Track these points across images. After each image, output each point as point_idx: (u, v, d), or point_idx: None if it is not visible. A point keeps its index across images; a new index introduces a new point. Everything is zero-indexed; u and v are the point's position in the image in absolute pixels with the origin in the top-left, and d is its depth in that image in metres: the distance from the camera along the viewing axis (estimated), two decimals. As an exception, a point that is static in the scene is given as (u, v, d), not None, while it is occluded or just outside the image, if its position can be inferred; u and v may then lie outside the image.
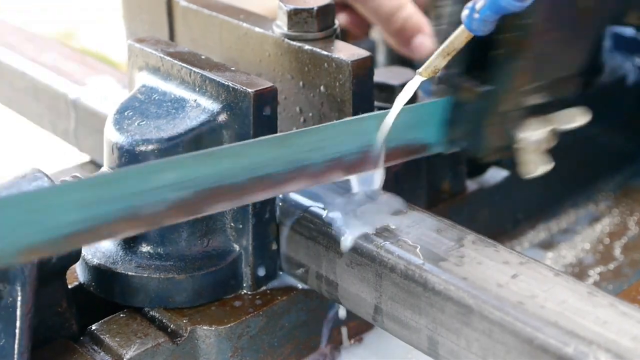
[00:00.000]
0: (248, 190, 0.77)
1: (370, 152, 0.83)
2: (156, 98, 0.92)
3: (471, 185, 1.08)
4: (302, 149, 0.80)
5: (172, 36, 1.09)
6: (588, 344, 0.70)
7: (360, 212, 0.87)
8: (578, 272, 1.11)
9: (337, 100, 0.91)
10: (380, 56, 1.24)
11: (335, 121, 0.86)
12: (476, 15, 0.77)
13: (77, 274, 0.92)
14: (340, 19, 1.17)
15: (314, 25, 0.94)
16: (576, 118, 0.87)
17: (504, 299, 0.75)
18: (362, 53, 0.91)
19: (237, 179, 0.76)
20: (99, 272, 0.89)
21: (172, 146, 0.86)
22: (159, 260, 0.89)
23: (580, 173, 1.24)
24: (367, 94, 0.92)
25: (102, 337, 0.85)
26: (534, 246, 1.16)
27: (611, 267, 1.12)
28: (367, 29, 1.21)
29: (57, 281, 0.85)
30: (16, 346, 0.78)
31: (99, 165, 1.14)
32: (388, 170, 0.89)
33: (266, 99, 0.86)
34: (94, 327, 0.87)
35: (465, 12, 0.77)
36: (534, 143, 0.86)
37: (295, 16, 0.94)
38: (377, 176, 0.88)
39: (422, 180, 1.02)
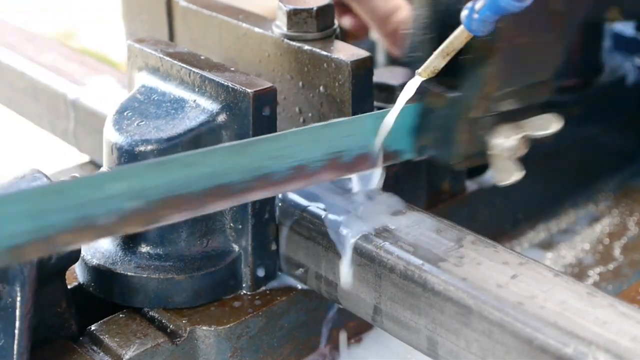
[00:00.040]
0: (206, 199, 0.74)
1: (338, 159, 0.82)
2: (155, 98, 0.92)
3: (471, 185, 1.08)
4: (262, 157, 0.77)
5: (171, 36, 1.09)
6: (587, 345, 0.70)
7: (360, 212, 0.87)
8: (578, 272, 1.11)
9: (336, 100, 0.91)
10: (380, 56, 1.24)
11: (301, 127, 0.84)
12: (475, 16, 0.77)
13: (77, 274, 0.92)
14: (345, 21, 1.17)
15: (313, 25, 0.94)
16: (549, 125, 0.86)
17: (503, 299, 0.75)
18: (361, 53, 0.91)
19: (193, 188, 0.73)
20: (99, 273, 0.89)
21: (171, 146, 0.86)
22: (159, 260, 0.89)
23: (580, 173, 1.24)
24: (367, 94, 0.91)
25: (101, 337, 0.85)
26: (533, 246, 1.16)
27: (611, 268, 1.12)
28: (368, 29, 1.22)
29: (56, 281, 0.85)
30: (15, 346, 0.78)
31: (98, 166, 1.14)
32: (388, 170, 0.89)
33: (265, 99, 0.86)
34: (93, 327, 0.87)
35: (464, 13, 0.77)
36: (507, 150, 0.84)
37: (295, 16, 0.94)
38: (377, 176, 0.88)
39: (422, 180, 1.02)
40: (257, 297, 0.91)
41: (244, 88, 0.86)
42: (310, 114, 0.95)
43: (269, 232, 0.91)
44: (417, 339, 0.81)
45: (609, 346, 0.69)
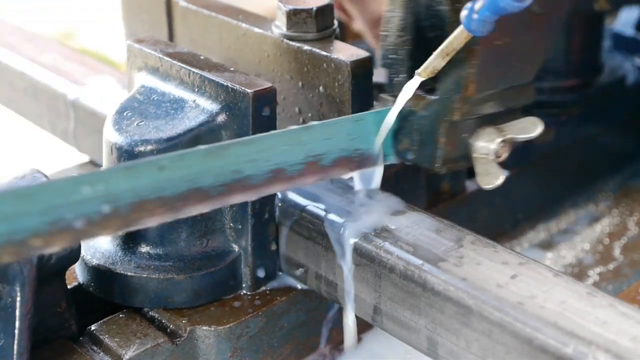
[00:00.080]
0: (181, 203, 0.74)
1: (317, 162, 0.81)
2: (155, 98, 0.92)
3: (471, 185, 1.08)
4: (238, 161, 0.76)
5: (171, 36, 1.09)
6: (587, 344, 0.70)
7: (360, 212, 0.87)
8: (578, 272, 1.11)
9: (336, 100, 0.91)
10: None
11: (277, 131, 0.84)
12: (475, 16, 0.77)
13: (77, 275, 0.92)
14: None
15: (313, 25, 0.94)
16: (532, 128, 0.85)
17: (503, 299, 0.75)
18: (361, 53, 0.91)
19: (168, 192, 0.72)
20: (99, 273, 0.89)
21: (171, 146, 0.86)
22: (158, 260, 0.89)
23: (580, 173, 1.24)
24: (366, 94, 0.91)
25: (101, 337, 0.85)
26: (533, 246, 1.16)
27: (611, 268, 1.12)
28: None
29: (56, 281, 0.85)
30: (15, 346, 0.78)
31: (98, 166, 1.14)
32: (388, 170, 0.89)
33: (265, 99, 0.86)
34: (93, 327, 0.87)
35: (464, 13, 0.77)
36: (490, 153, 0.84)
37: (295, 16, 0.94)
38: (378, 176, 0.88)
39: (422, 180, 1.02)
40: (257, 297, 0.91)
41: (243, 88, 0.86)
42: (310, 114, 0.95)
43: (268, 232, 0.91)
44: (417, 339, 0.81)
45: (609, 346, 0.69)
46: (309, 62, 0.93)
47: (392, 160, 0.87)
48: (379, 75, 1.00)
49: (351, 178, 0.89)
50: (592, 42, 1.22)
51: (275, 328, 0.91)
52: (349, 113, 0.90)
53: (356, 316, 0.88)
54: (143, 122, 0.89)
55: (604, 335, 0.70)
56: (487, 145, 0.84)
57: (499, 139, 0.84)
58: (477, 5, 0.76)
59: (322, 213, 0.88)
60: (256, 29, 0.97)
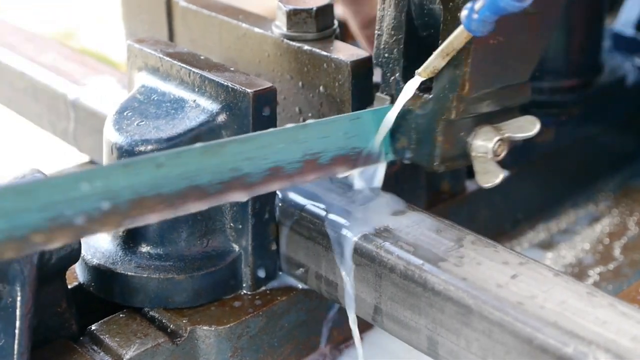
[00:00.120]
0: (180, 200, 0.73)
1: (315, 160, 0.81)
2: (155, 98, 0.92)
3: (471, 185, 1.08)
4: (235, 158, 0.76)
5: (171, 36, 1.09)
6: (587, 344, 0.70)
7: (360, 212, 0.87)
8: (578, 272, 1.11)
9: (336, 100, 0.91)
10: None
11: (275, 128, 0.84)
12: (475, 16, 0.77)
13: (77, 274, 0.92)
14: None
15: (313, 25, 0.94)
16: (530, 127, 0.85)
17: (503, 299, 0.75)
18: (361, 53, 0.91)
19: (166, 189, 0.72)
20: (99, 273, 0.89)
21: (171, 146, 0.86)
22: (159, 260, 0.89)
23: (580, 173, 1.24)
24: (366, 94, 0.91)
25: (101, 337, 0.85)
26: (533, 246, 1.16)
27: (611, 267, 1.12)
28: None
29: (56, 281, 0.85)
30: (16, 346, 0.78)
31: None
32: (388, 170, 0.89)
33: (265, 99, 0.86)
34: (93, 327, 0.87)
35: (464, 13, 0.77)
36: (488, 152, 0.84)
37: (295, 16, 0.94)
38: (379, 174, 0.88)
39: (422, 180, 1.02)
40: (257, 297, 0.91)
41: (243, 88, 0.86)
42: (310, 114, 0.95)
43: (269, 232, 0.91)
44: (418, 339, 0.81)
45: (609, 346, 0.69)
46: (309, 62, 0.93)
47: (390, 158, 0.87)
48: (379, 75, 1.00)
49: (352, 177, 0.89)
50: (592, 42, 1.22)
51: (275, 328, 0.91)
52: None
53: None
54: (143, 122, 0.89)
55: (604, 335, 0.70)
56: (485, 144, 0.84)
57: (497, 138, 0.84)
58: (477, 5, 0.76)
59: (323, 213, 0.88)
60: (256, 29, 0.97)
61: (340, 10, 1.16)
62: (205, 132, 0.87)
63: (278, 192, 0.91)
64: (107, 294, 0.89)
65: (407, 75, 0.85)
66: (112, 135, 0.89)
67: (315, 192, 0.90)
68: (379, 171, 0.88)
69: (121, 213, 0.70)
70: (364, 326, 0.97)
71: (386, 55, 0.87)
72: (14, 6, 2.62)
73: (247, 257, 0.90)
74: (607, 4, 1.28)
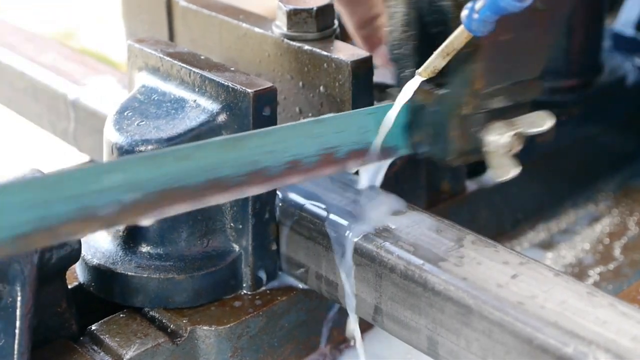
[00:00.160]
0: (202, 193, 0.75)
1: (332, 154, 0.82)
2: (156, 98, 0.92)
3: (471, 185, 1.08)
4: (256, 152, 0.77)
5: (171, 36, 1.09)
6: (588, 344, 0.70)
7: (361, 212, 0.87)
8: (578, 272, 1.11)
9: (336, 100, 0.91)
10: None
11: (292, 123, 0.84)
12: (475, 16, 0.77)
13: (77, 274, 0.92)
14: None
15: (313, 25, 0.94)
16: (542, 122, 0.86)
17: (503, 299, 0.75)
18: (361, 53, 0.91)
19: (188, 182, 0.74)
20: (99, 273, 0.89)
21: (171, 146, 0.86)
22: (159, 260, 0.89)
23: (580, 173, 1.24)
24: (367, 94, 0.92)
25: (102, 337, 0.85)
26: (533, 246, 1.16)
27: (611, 267, 1.12)
28: None
29: (57, 281, 0.85)
30: (16, 346, 0.78)
31: (98, 166, 1.14)
32: (388, 170, 0.89)
33: (266, 99, 0.86)
34: (93, 327, 0.87)
35: (464, 12, 0.77)
36: (502, 146, 0.85)
37: (295, 16, 0.94)
38: (380, 174, 0.88)
39: (422, 180, 1.02)
40: (257, 297, 0.91)
41: (244, 88, 0.86)
42: (310, 114, 0.95)
43: (269, 232, 0.91)
44: (418, 339, 0.81)
45: (609, 346, 0.69)
46: (310, 62, 0.93)
47: (406, 152, 0.87)
48: (380, 75, 1.00)
49: (355, 175, 0.90)
50: (592, 42, 1.22)
51: (275, 328, 0.91)
52: (349, 113, 0.90)
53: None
54: (144, 122, 0.89)
55: (604, 334, 0.70)
56: (498, 139, 0.85)
57: (510, 133, 0.85)
58: (478, 5, 0.76)
59: (323, 213, 0.88)
60: (257, 29, 0.97)
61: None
62: (206, 132, 0.87)
63: (278, 192, 0.91)
64: (107, 294, 0.89)
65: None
66: (112, 135, 0.89)
67: (315, 192, 0.90)
68: (381, 171, 0.88)
69: (147, 204, 0.72)
70: (364, 326, 0.97)
71: (398, 51, 0.88)
72: (14, 6, 2.62)
73: (247, 257, 0.90)
74: (607, 4, 1.29)
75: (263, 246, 0.91)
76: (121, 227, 0.90)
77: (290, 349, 0.93)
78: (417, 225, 0.85)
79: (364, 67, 0.90)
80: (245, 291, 0.91)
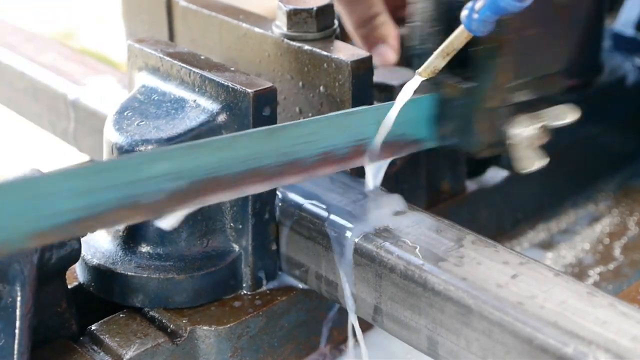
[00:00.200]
0: (242, 182, 0.77)
1: (362, 146, 0.84)
2: (156, 98, 0.92)
3: (471, 185, 1.08)
4: (293, 142, 0.80)
5: (171, 36, 1.09)
6: (587, 344, 0.70)
7: (361, 212, 0.87)
8: (578, 272, 1.11)
9: (336, 100, 0.91)
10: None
11: (327, 114, 0.86)
12: (475, 16, 0.77)
13: (77, 274, 0.92)
14: None
15: (313, 25, 0.94)
16: (566, 115, 0.88)
17: (503, 299, 0.75)
18: (361, 53, 0.91)
19: (230, 171, 0.76)
20: (99, 272, 0.89)
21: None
22: (159, 260, 0.89)
23: (580, 173, 1.24)
24: (367, 94, 0.92)
25: (101, 337, 0.85)
26: (533, 246, 1.16)
27: (611, 267, 1.12)
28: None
29: (56, 281, 0.85)
30: (16, 346, 0.78)
31: (98, 166, 1.14)
32: (388, 170, 0.89)
33: (266, 99, 0.86)
34: (93, 327, 0.87)
35: (464, 12, 0.77)
36: (527, 139, 0.86)
37: (295, 16, 0.94)
38: (380, 174, 0.88)
39: (422, 180, 1.02)
40: (257, 297, 0.91)
41: (244, 88, 0.86)
42: (310, 114, 0.95)
43: (269, 232, 0.91)
44: (418, 339, 0.81)
45: (609, 346, 0.69)
46: (310, 62, 0.93)
47: (433, 144, 0.89)
48: (380, 75, 1.00)
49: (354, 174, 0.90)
50: (592, 42, 1.22)
51: (275, 328, 0.91)
52: (349, 113, 0.90)
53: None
54: (143, 122, 0.89)
55: (604, 335, 0.70)
56: (523, 132, 0.86)
57: (534, 126, 0.86)
58: (478, 5, 0.76)
59: (323, 213, 0.88)
60: (257, 29, 0.97)
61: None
62: (206, 132, 0.87)
63: (278, 192, 0.91)
64: (107, 294, 0.89)
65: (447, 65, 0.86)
66: (112, 135, 0.89)
67: (316, 192, 0.90)
68: (380, 171, 0.88)
69: (190, 193, 0.74)
70: (364, 326, 0.97)
71: (423, 46, 0.88)
72: (14, 6, 2.63)
73: (247, 257, 0.90)
74: (607, 4, 1.29)
75: (263, 246, 0.91)
76: (121, 227, 0.90)
77: (290, 349, 0.93)
78: (417, 225, 0.85)
79: (364, 67, 0.90)
80: (245, 291, 0.91)
